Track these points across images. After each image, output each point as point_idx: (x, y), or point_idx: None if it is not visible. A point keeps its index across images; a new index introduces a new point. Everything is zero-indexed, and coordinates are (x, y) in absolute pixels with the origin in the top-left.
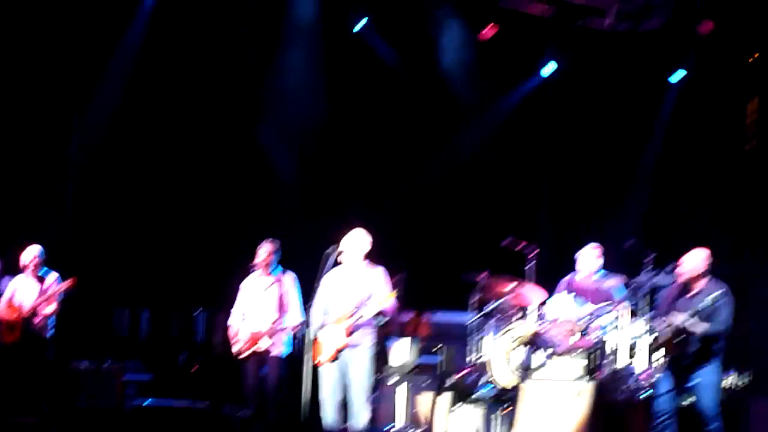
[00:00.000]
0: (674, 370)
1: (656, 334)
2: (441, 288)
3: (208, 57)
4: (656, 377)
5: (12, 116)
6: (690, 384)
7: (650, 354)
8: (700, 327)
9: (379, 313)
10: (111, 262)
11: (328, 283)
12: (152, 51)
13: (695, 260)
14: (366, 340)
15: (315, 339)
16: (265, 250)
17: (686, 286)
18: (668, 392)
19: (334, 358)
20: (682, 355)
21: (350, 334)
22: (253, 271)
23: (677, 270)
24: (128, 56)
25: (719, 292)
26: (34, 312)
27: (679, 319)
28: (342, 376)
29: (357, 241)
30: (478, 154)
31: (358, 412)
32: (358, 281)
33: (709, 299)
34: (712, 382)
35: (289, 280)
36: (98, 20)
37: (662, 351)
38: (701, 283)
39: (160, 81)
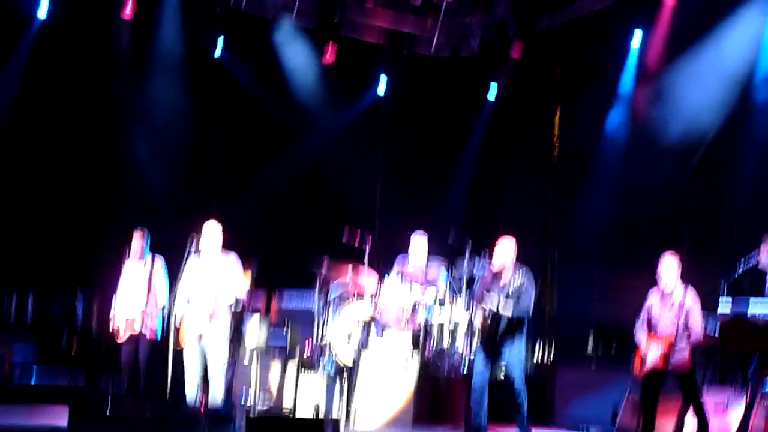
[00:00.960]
0: (487, 348)
1: (473, 316)
2: (289, 271)
3: (89, 79)
4: (473, 356)
5: None
6: (501, 361)
7: (468, 335)
8: (508, 310)
9: (235, 299)
10: None
11: (188, 271)
12: (37, 71)
13: (504, 249)
14: (223, 323)
15: (179, 324)
16: (136, 239)
17: (497, 273)
18: (482, 369)
19: (197, 341)
20: (494, 335)
21: (213, 316)
22: (128, 258)
23: (494, 257)
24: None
25: (524, 278)
26: None
27: (492, 302)
28: (202, 357)
29: (211, 233)
30: (324, 157)
31: (218, 388)
32: (214, 269)
33: (516, 285)
34: (519, 359)
35: (158, 264)
36: None
37: (478, 332)
38: (510, 270)
39: (45, 93)
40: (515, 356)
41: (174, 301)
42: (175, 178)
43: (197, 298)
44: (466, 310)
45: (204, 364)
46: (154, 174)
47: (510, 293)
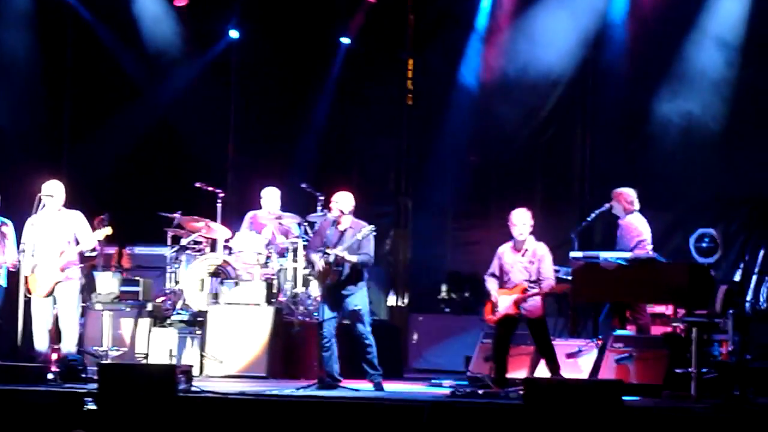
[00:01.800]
0: (330, 296)
1: (315, 265)
2: (141, 224)
3: None
4: (320, 305)
5: None
6: (346, 309)
7: (305, 284)
8: (352, 258)
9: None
10: None
11: (35, 226)
12: None
13: (346, 201)
14: (75, 274)
15: (26, 276)
16: None
17: (335, 222)
18: (329, 318)
19: (50, 293)
20: (338, 282)
21: (63, 270)
22: None
23: (333, 207)
24: None
25: (369, 228)
26: None
27: (337, 251)
28: (52, 309)
29: (56, 191)
30: (175, 107)
31: (70, 337)
32: (60, 225)
33: (364, 232)
34: (362, 306)
35: (8, 227)
36: None
37: (319, 280)
38: (346, 221)
39: None
40: (358, 304)
41: (21, 255)
42: (23, 131)
43: (44, 253)
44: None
45: (54, 316)
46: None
47: (349, 242)
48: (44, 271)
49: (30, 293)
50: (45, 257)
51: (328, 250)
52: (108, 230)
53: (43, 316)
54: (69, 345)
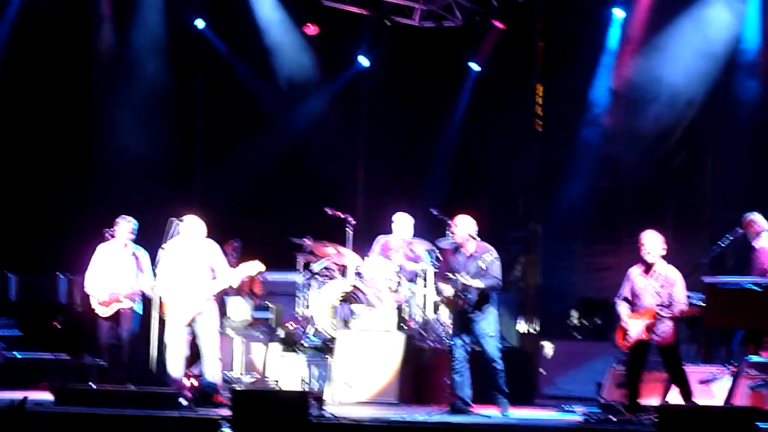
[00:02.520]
0: (461, 322)
1: (442, 291)
2: (271, 250)
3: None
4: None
5: None
6: (475, 334)
7: (436, 310)
8: (479, 284)
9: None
10: None
11: (172, 254)
12: (16, 52)
13: (465, 226)
14: (213, 304)
15: (162, 302)
16: (126, 228)
17: (458, 248)
18: (460, 341)
19: (190, 322)
20: (467, 308)
21: (205, 300)
22: (109, 239)
23: (454, 231)
24: None
25: (488, 253)
26: None
27: (460, 277)
28: (190, 338)
29: (196, 226)
30: (306, 133)
31: (211, 365)
32: (199, 255)
33: (487, 258)
34: (490, 331)
35: (143, 253)
36: None
37: (448, 306)
38: (471, 246)
39: (24, 75)
40: (487, 329)
41: (157, 283)
42: (156, 158)
43: (185, 282)
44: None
45: (190, 345)
46: (134, 156)
47: (475, 267)
48: (185, 299)
49: (170, 320)
50: (186, 286)
51: (453, 276)
52: (260, 267)
53: (179, 342)
54: (210, 372)
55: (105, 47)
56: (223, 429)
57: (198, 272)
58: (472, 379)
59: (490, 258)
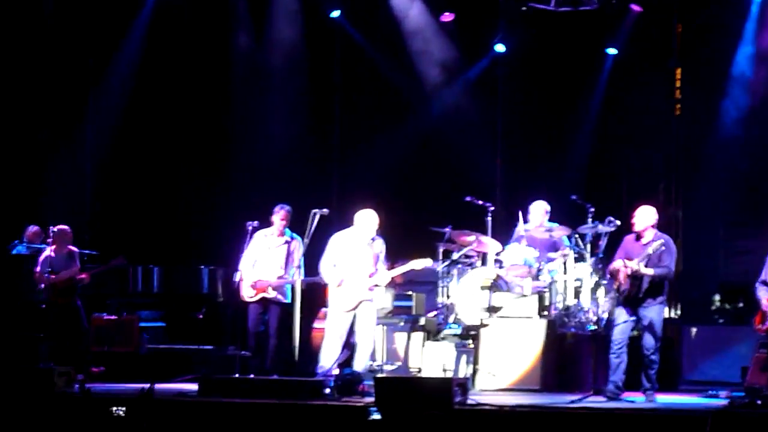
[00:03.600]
0: (629, 306)
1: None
2: (412, 240)
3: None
4: (613, 310)
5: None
6: (639, 319)
7: (593, 294)
8: (649, 271)
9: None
10: (125, 230)
11: (340, 244)
12: (153, 49)
13: (646, 215)
14: (375, 296)
15: (326, 288)
16: (281, 216)
17: (638, 237)
18: (624, 323)
19: (353, 309)
20: (636, 295)
21: (368, 291)
22: (255, 229)
23: (634, 221)
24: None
25: (661, 241)
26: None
27: (633, 264)
28: (349, 327)
29: (370, 220)
30: (443, 122)
31: (364, 354)
32: (370, 249)
33: (655, 246)
34: (657, 319)
35: (298, 243)
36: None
37: (616, 292)
38: (649, 235)
39: (163, 73)
40: (653, 317)
41: (325, 270)
42: (294, 153)
43: (353, 272)
44: (593, 272)
45: (348, 334)
46: (274, 150)
47: (650, 255)
48: (351, 288)
49: (332, 307)
50: (352, 275)
51: (627, 263)
52: (427, 261)
53: (338, 334)
54: (361, 363)
55: (243, 42)
56: (372, 415)
57: (364, 264)
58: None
59: (656, 246)
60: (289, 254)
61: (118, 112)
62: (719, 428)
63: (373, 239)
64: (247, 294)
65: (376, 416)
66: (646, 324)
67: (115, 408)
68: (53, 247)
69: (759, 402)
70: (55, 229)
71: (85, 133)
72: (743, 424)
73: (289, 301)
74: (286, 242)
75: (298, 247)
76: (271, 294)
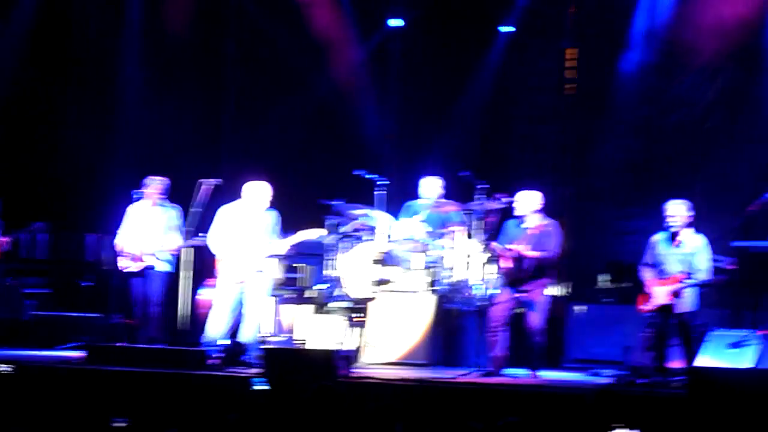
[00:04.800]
0: (511, 285)
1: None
2: (301, 212)
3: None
4: (494, 289)
5: None
6: (523, 299)
7: (483, 269)
8: (533, 254)
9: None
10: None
11: (228, 216)
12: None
13: (529, 201)
14: (266, 271)
15: (215, 259)
16: (155, 187)
17: (523, 220)
18: (504, 302)
19: (243, 281)
20: (519, 273)
21: (259, 262)
22: (139, 198)
23: (516, 206)
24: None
25: (547, 224)
26: None
27: (518, 247)
28: (238, 298)
29: (262, 192)
30: (335, 97)
31: (252, 326)
32: (257, 220)
33: (541, 229)
34: (541, 301)
35: (177, 212)
36: None
37: (497, 267)
38: (533, 219)
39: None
40: (539, 297)
41: (212, 241)
42: (183, 121)
43: (243, 244)
44: (483, 250)
45: (237, 306)
46: (162, 118)
47: (534, 238)
48: (240, 259)
49: (221, 278)
50: (243, 247)
51: (511, 246)
52: (320, 231)
53: (226, 305)
54: (248, 334)
55: (137, 14)
56: (256, 385)
57: (256, 235)
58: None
59: (550, 229)
60: (165, 224)
61: (7, 78)
62: (601, 406)
63: (264, 211)
64: (125, 265)
65: (261, 386)
66: (530, 305)
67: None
68: None
69: (642, 381)
70: None
71: None
72: (626, 403)
73: (173, 270)
74: (163, 212)
75: (175, 215)
76: (152, 263)
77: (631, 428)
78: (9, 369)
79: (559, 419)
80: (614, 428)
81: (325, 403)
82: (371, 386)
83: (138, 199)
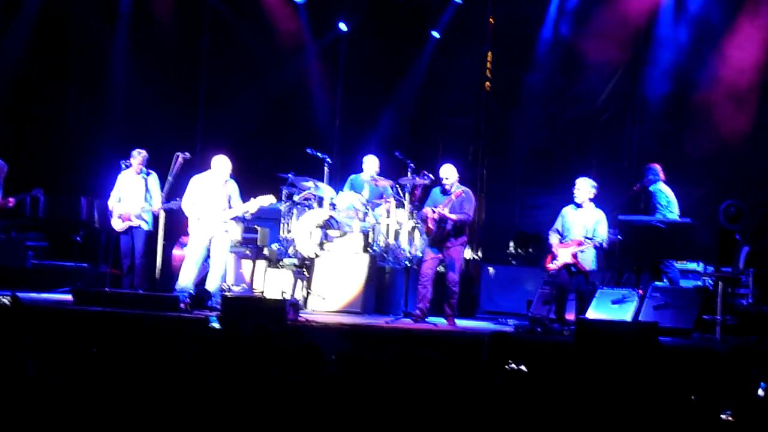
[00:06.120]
0: (436, 246)
1: (419, 221)
2: (261, 183)
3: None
4: (422, 250)
5: None
6: (443, 257)
7: (410, 235)
8: (452, 216)
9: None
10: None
11: (198, 184)
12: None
13: (450, 171)
14: (230, 228)
15: (187, 219)
16: (138, 158)
17: (443, 189)
18: (430, 259)
19: (205, 242)
20: (442, 236)
21: (222, 224)
22: (127, 168)
23: (442, 177)
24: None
25: (463, 193)
26: None
27: (440, 209)
28: (205, 253)
29: (223, 164)
30: (292, 88)
31: (215, 277)
32: (223, 189)
33: (458, 195)
34: (458, 258)
35: (154, 178)
36: None
37: (425, 233)
38: (453, 187)
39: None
40: (455, 255)
41: (185, 206)
42: (167, 101)
43: (208, 208)
44: (410, 217)
45: (203, 260)
46: (148, 98)
47: (453, 202)
48: (206, 221)
49: (193, 236)
50: (208, 210)
51: (434, 209)
52: (271, 198)
53: (195, 259)
54: (213, 283)
55: (125, 11)
56: (211, 323)
57: (219, 201)
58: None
59: (465, 195)
60: (146, 189)
61: (15, 60)
62: (498, 348)
63: (226, 181)
64: (116, 225)
65: (215, 324)
66: (449, 261)
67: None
68: None
69: (539, 330)
70: None
71: None
72: (521, 347)
73: (152, 228)
74: (143, 179)
75: (154, 181)
76: (136, 222)
77: (517, 365)
78: (6, 301)
79: (464, 358)
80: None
81: (263, 341)
82: (313, 329)
83: (125, 168)
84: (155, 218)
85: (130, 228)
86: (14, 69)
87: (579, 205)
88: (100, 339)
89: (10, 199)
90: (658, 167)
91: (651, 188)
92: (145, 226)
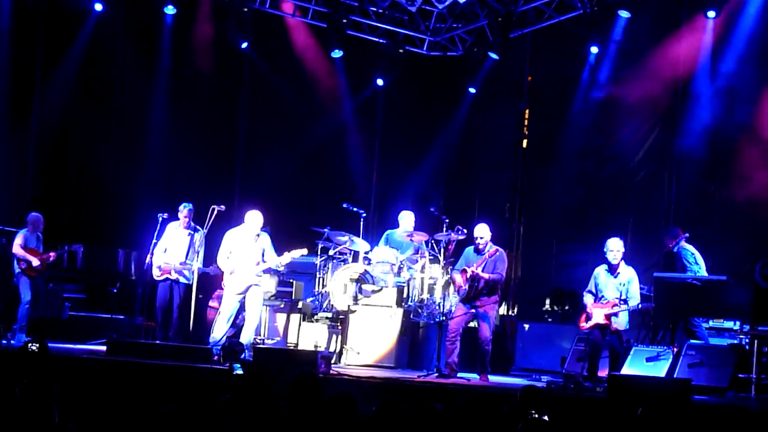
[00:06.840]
0: (468, 304)
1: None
2: (296, 236)
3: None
4: (451, 306)
5: None
6: (476, 314)
7: (444, 290)
8: (485, 275)
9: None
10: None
11: (233, 238)
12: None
13: (484, 231)
14: (262, 281)
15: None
16: (184, 212)
17: (477, 248)
18: (459, 316)
19: (242, 292)
20: (474, 293)
21: (256, 276)
22: (164, 220)
23: (476, 237)
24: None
25: (497, 252)
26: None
27: (473, 268)
28: (239, 308)
29: (256, 219)
30: (329, 143)
31: (250, 330)
32: (256, 242)
33: (492, 256)
34: (491, 316)
35: (201, 235)
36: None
37: (454, 288)
38: (487, 247)
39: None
40: (488, 313)
41: (220, 260)
42: (204, 156)
43: (243, 261)
44: (444, 272)
45: (237, 313)
46: (186, 152)
47: (487, 262)
48: (241, 274)
49: (227, 290)
50: (243, 264)
51: (467, 268)
52: (303, 251)
53: (230, 309)
54: (246, 336)
55: (166, 63)
56: (236, 371)
57: (253, 255)
58: (460, 350)
59: (499, 254)
60: (191, 244)
61: (59, 110)
62: (528, 402)
63: (258, 234)
64: (156, 274)
65: (239, 371)
66: (482, 319)
67: (30, 344)
68: (28, 228)
69: (571, 386)
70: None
71: (29, 129)
72: (551, 401)
73: (190, 282)
74: (190, 234)
75: (200, 238)
76: (174, 276)
77: (540, 416)
78: (35, 348)
79: (496, 411)
80: (530, 415)
81: (304, 387)
82: (346, 382)
83: (167, 221)
84: (192, 274)
85: (169, 280)
86: (57, 120)
87: (611, 265)
88: (128, 388)
89: (51, 254)
90: (677, 228)
91: (675, 249)
92: (184, 281)
